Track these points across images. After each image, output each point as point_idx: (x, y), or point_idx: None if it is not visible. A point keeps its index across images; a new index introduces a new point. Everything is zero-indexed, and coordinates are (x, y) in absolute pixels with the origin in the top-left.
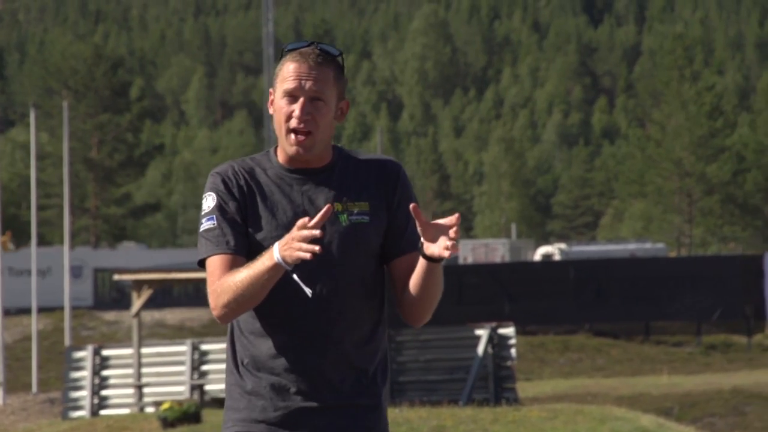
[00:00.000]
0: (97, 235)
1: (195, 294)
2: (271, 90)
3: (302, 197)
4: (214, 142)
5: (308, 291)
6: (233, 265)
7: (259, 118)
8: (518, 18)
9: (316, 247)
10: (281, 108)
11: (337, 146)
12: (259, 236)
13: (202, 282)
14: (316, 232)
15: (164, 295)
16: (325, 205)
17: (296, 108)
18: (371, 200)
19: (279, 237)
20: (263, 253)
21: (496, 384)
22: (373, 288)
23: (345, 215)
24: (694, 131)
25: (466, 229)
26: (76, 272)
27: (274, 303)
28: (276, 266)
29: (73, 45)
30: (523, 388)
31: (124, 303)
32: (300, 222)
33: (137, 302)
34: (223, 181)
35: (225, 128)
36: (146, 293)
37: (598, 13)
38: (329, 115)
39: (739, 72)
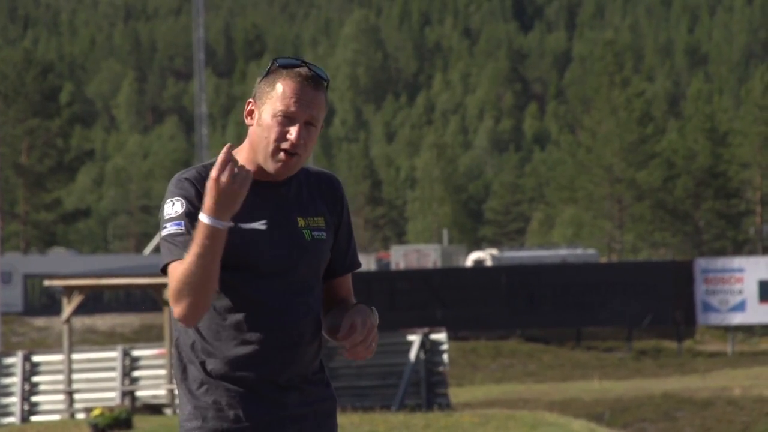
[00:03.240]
0: (27, 241)
1: (126, 300)
2: (251, 101)
3: (270, 206)
4: (144, 148)
5: (260, 225)
6: None
7: (190, 123)
8: (449, 24)
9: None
10: (272, 127)
11: None
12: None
13: (133, 288)
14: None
15: (95, 301)
16: (290, 218)
17: (293, 131)
18: (324, 216)
19: (244, 249)
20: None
21: (428, 390)
22: (320, 300)
23: (308, 231)
24: (625, 137)
25: (398, 235)
26: (5, 278)
27: (241, 315)
28: (207, 227)
29: (2, 50)
30: (455, 394)
31: (54, 309)
32: (213, 173)
33: (68, 308)
34: (194, 187)
35: (155, 133)
36: (77, 299)
37: (529, 20)
38: (315, 139)
39: (669, 78)
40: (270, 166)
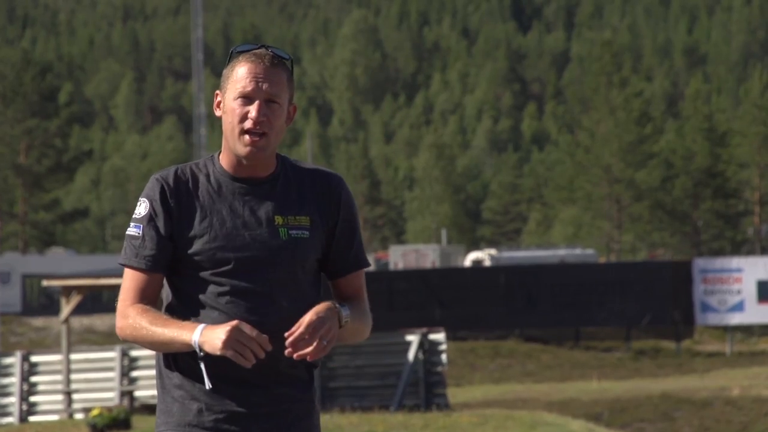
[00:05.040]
0: (25, 241)
1: None
2: (218, 92)
3: (243, 207)
4: (143, 148)
5: (208, 384)
6: (147, 284)
7: (188, 123)
8: (447, 24)
9: (251, 362)
10: (234, 110)
11: (281, 155)
12: (195, 247)
13: None
14: (267, 346)
15: (93, 301)
16: (266, 216)
17: (252, 110)
18: (312, 215)
19: (216, 249)
20: (185, 324)
21: (426, 390)
22: (310, 302)
23: (285, 229)
24: (623, 137)
25: (396, 235)
26: (4, 278)
27: (211, 310)
28: (189, 346)
29: (0, 50)
30: (454, 394)
31: (53, 309)
32: (248, 328)
33: (66, 308)
34: (162, 189)
35: (154, 133)
36: (75, 299)
37: (527, 20)
38: (282, 118)
39: (667, 78)
40: (240, 151)
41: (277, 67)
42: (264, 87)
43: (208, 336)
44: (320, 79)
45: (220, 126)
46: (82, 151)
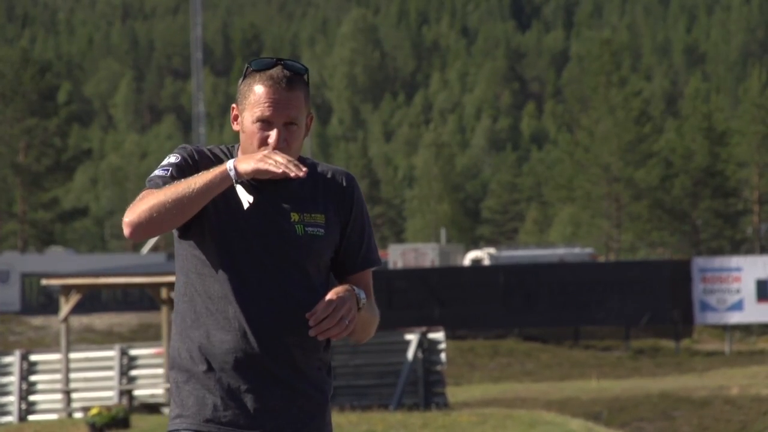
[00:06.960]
0: (24, 240)
1: (123, 299)
2: (234, 106)
3: (261, 203)
4: (142, 147)
5: (246, 202)
6: None
7: (187, 122)
8: (447, 23)
9: (281, 169)
10: (254, 133)
11: (300, 156)
12: (214, 220)
13: (131, 287)
14: (302, 172)
15: (92, 301)
16: (283, 212)
17: (272, 136)
18: (327, 213)
19: (233, 230)
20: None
21: (425, 389)
22: (320, 299)
23: (301, 225)
24: (622, 136)
25: (396, 234)
26: (3, 277)
27: (228, 303)
28: (223, 173)
29: (0, 49)
30: (453, 393)
31: (52, 308)
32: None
33: (65, 307)
34: (191, 153)
35: (153, 132)
36: (74, 298)
37: (526, 19)
38: (301, 136)
39: (667, 77)
40: None
41: (295, 89)
42: (283, 113)
43: (242, 159)
44: (319, 78)
45: (219, 124)
46: (81, 150)
